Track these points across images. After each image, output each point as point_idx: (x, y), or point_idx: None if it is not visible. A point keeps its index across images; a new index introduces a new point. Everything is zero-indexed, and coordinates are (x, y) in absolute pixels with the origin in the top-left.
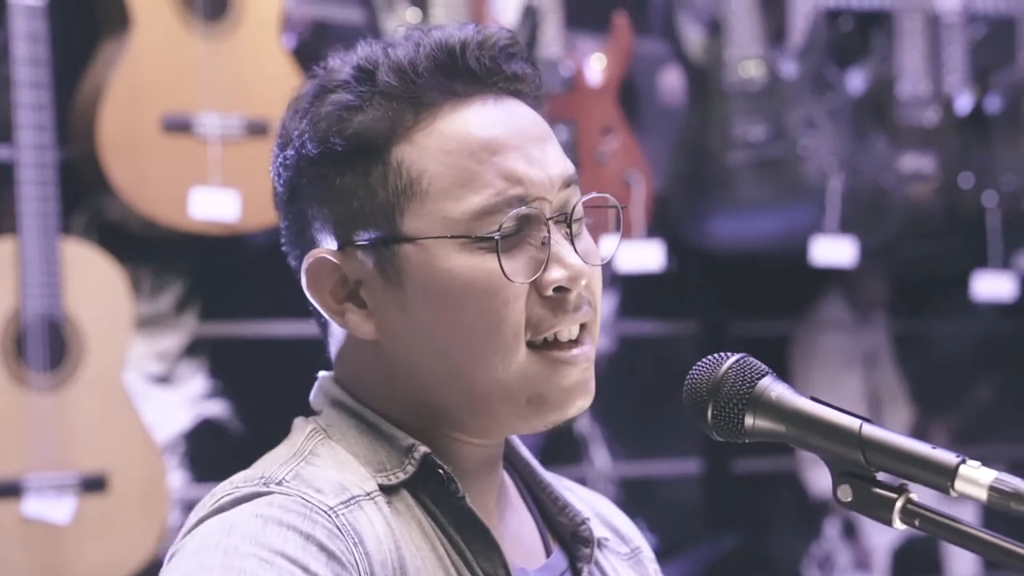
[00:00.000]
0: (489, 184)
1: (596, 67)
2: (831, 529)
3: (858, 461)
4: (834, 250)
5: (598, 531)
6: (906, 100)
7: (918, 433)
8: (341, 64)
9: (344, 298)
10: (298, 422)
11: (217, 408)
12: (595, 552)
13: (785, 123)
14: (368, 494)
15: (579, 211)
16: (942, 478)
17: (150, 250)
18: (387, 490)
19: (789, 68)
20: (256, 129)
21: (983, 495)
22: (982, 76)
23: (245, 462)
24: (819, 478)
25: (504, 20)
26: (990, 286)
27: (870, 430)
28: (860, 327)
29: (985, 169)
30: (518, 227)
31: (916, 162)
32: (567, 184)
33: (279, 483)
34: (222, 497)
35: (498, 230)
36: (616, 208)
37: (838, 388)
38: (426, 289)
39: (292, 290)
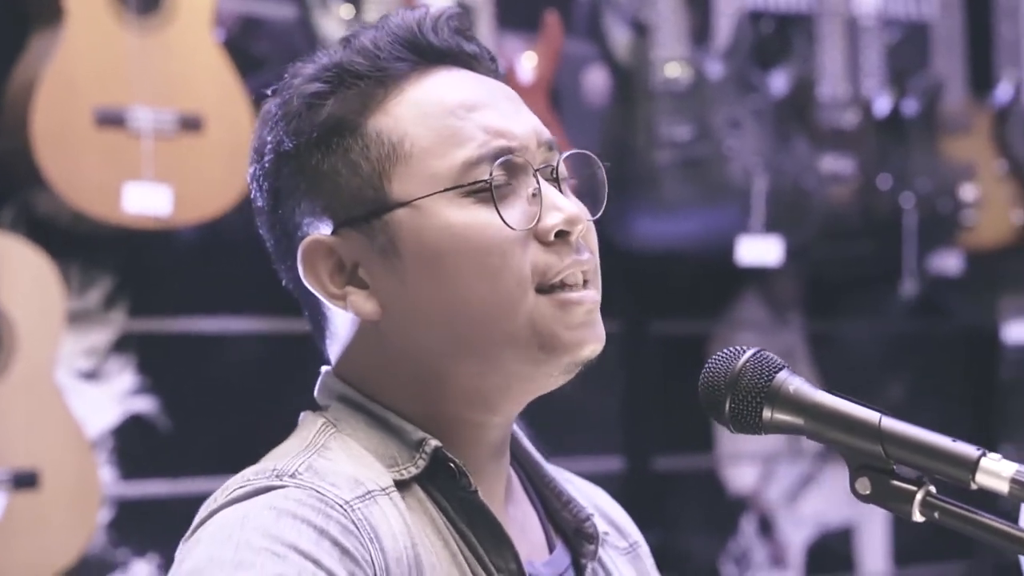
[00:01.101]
0: (472, 137)
1: (527, 65)
2: (748, 526)
3: (877, 454)
4: (760, 250)
5: (599, 526)
6: (826, 102)
7: None
8: (304, 65)
9: (344, 282)
10: (307, 416)
11: (145, 404)
12: (598, 549)
13: (710, 123)
14: (383, 489)
15: (563, 170)
16: (963, 471)
17: (78, 245)
18: (400, 485)
19: (714, 69)
20: (189, 124)
21: (1004, 487)
22: (898, 79)
23: (173, 458)
24: (737, 476)
25: None
26: (910, 287)
27: (890, 423)
28: (776, 326)
29: (902, 171)
30: (507, 177)
31: (836, 163)
32: (549, 146)
33: (292, 475)
34: (235, 490)
35: (490, 176)
36: (601, 168)
37: None
38: (422, 252)
39: (221, 286)
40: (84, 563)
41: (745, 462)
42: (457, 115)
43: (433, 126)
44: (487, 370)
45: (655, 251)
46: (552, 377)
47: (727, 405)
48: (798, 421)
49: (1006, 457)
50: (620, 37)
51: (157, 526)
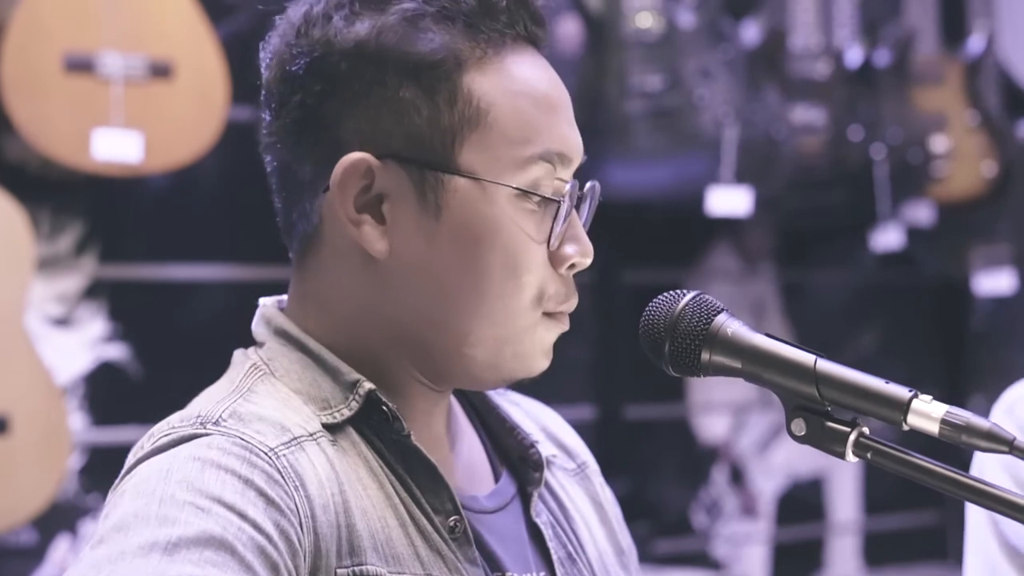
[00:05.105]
0: (545, 140)
1: None
2: (719, 475)
3: (812, 396)
4: (730, 200)
5: (545, 449)
6: (798, 53)
7: None
8: None
9: (361, 208)
10: (237, 355)
11: (116, 351)
12: (544, 475)
13: (681, 73)
14: (311, 435)
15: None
16: (895, 412)
17: (48, 191)
18: (331, 428)
19: (685, 19)
20: (159, 70)
21: (935, 428)
22: (870, 30)
23: (144, 405)
24: (708, 425)
25: None
26: (881, 237)
27: (824, 365)
28: (748, 276)
29: (873, 122)
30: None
31: (807, 114)
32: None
33: (216, 423)
34: (160, 438)
35: (565, 196)
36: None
37: None
38: (464, 229)
39: (191, 234)
40: (55, 508)
41: (716, 412)
42: (540, 107)
43: (518, 108)
44: (455, 356)
45: (627, 200)
46: (500, 383)
47: (666, 347)
48: (735, 364)
49: (976, 408)
50: None
51: None
